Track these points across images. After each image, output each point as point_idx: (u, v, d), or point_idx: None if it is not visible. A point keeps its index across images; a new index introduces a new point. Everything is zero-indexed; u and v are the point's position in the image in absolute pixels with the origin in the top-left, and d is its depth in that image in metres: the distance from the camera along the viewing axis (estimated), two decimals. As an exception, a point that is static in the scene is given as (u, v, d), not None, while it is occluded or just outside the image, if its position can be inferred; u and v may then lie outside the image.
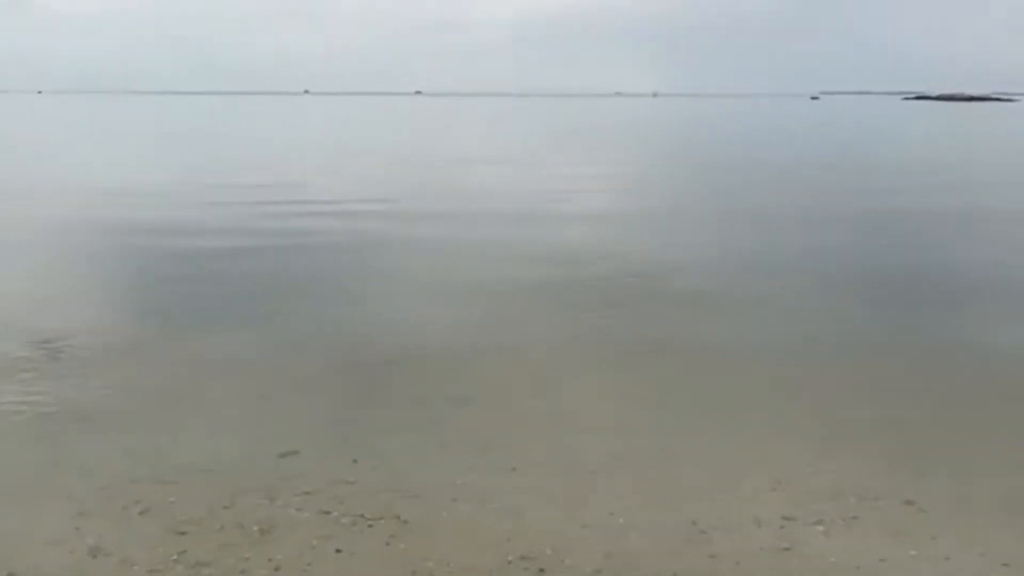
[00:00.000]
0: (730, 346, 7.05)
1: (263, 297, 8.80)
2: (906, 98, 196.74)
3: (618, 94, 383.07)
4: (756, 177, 22.50)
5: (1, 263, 10.61)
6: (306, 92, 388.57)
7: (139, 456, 4.74)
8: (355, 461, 4.72)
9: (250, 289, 9.23)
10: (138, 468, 4.55)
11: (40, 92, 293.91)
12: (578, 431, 5.23)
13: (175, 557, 3.67)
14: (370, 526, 4.01)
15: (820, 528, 3.97)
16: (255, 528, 3.95)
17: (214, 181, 20.19)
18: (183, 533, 3.87)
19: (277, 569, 3.62)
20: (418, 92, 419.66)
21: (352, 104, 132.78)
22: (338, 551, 3.77)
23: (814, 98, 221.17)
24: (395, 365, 6.46)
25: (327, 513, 4.11)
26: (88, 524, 3.91)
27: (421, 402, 5.72)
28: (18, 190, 18.72)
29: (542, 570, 3.62)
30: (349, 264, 10.67)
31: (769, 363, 6.63)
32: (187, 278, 9.67)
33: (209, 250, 11.39)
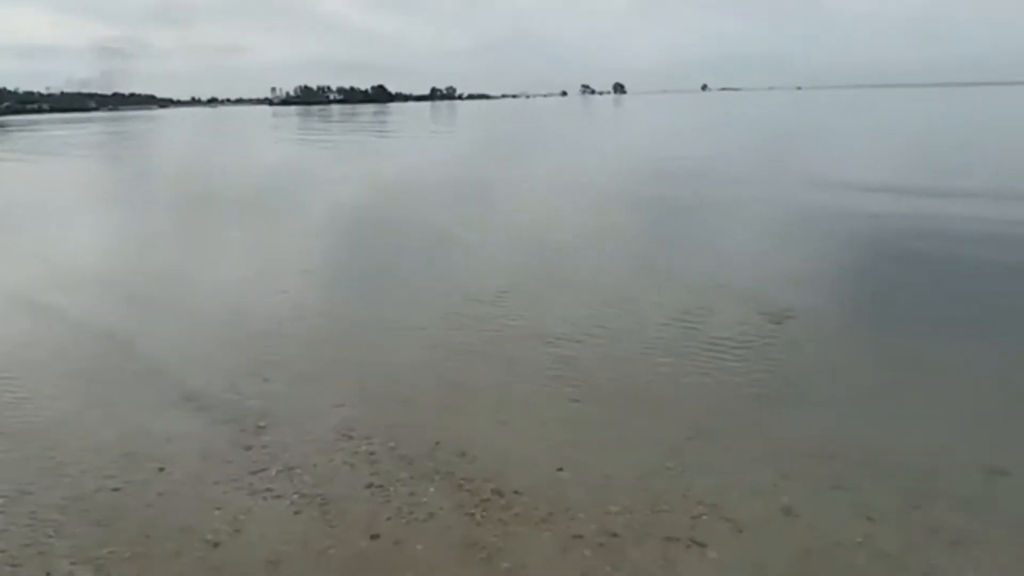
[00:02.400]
0: None
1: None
2: None
3: None
4: None
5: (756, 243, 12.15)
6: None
7: (836, 434, 4.93)
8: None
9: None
10: (834, 445, 4.75)
11: (799, 88, 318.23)
12: None
13: (859, 540, 3.78)
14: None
15: None
16: (947, 538, 3.76)
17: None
18: (870, 519, 3.94)
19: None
20: None
21: None
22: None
23: None
24: None
25: (1036, 550, 3.62)
26: (786, 485, 4.32)
27: None
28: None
29: None
30: None
31: None
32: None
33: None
